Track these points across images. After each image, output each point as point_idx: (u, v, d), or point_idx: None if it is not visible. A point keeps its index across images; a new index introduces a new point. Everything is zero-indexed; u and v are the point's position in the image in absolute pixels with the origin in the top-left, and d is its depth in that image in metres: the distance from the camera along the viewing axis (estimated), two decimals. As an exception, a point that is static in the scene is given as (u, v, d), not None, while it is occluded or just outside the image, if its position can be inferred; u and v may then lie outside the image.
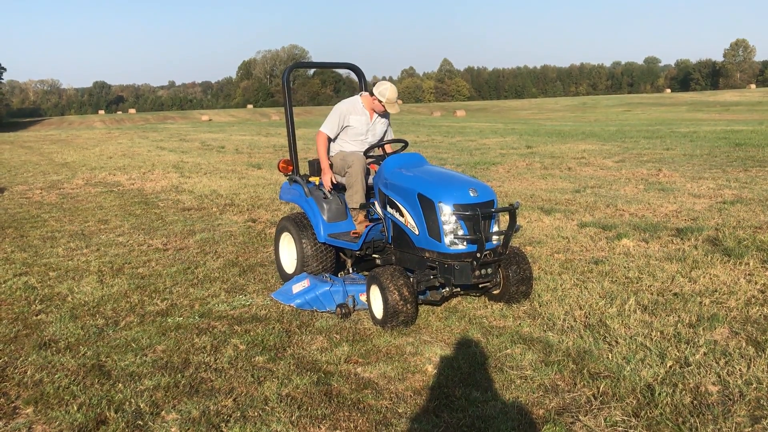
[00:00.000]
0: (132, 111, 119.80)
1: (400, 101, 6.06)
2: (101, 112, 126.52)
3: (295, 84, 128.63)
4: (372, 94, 6.04)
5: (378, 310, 5.14)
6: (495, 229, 5.20)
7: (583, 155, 17.74)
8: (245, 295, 6.06)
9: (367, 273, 5.98)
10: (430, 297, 5.34)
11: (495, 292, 5.51)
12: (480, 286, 5.39)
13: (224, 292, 6.18)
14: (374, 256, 6.01)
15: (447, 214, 4.99)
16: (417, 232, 5.23)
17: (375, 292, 5.17)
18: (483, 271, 5.12)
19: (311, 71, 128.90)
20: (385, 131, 6.44)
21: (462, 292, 5.58)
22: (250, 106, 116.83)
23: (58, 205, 12.01)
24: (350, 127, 6.20)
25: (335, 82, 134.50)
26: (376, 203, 5.82)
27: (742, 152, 16.85)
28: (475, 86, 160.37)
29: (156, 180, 15.32)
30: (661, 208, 9.51)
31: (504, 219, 5.66)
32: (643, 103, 78.71)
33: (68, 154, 24.47)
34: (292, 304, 5.61)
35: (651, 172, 13.69)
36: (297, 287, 5.71)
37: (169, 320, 5.41)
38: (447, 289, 5.26)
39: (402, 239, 5.50)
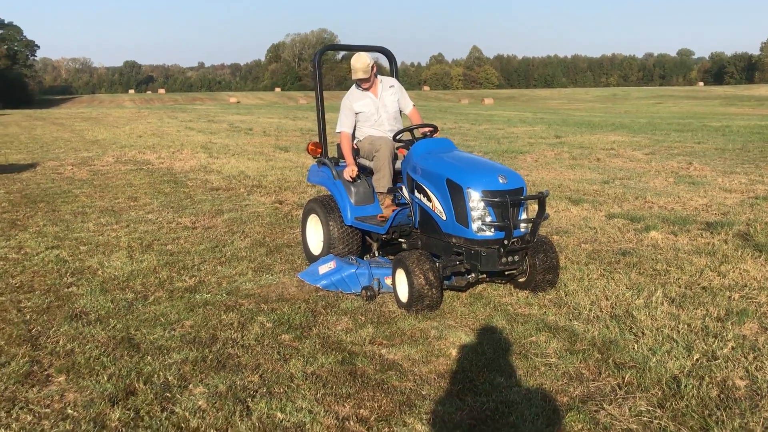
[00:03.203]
0: (161, 91, 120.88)
1: (373, 65, 6.03)
2: (131, 91, 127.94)
3: (324, 68, 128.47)
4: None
5: (403, 294, 5.16)
6: (523, 216, 5.17)
7: (613, 146, 17.54)
8: (272, 275, 6.11)
9: (392, 257, 6.00)
10: (455, 283, 5.35)
11: (521, 279, 5.50)
12: (506, 273, 5.37)
13: (251, 271, 6.25)
14: (400, 240, 6.02)
15: (475, 200, 4.97)
16: (444, 218, 5.22)
17: (401, 275, 5.19)
18: (509, 259, 5.09)
19: (340, 55, 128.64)
20: (398, 101, 6.35)
21: (487, 279, 5.57)
22: (278, 90, 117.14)
23: (89, 182, 12.18)
24: (361, 114, 6.21)
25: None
26: (403, 188, 5.82)
27: (776, 148, 16.53)
28: (504, 74, 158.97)
29: (185, 159, 15.46)
30: (691, 202, 9.39)
31: (532, 207, 5.65)
32: (674, 95, 77.50)
33: (99, 132, 24.78)
34: (318, 285, 5.66)
35: (681, 165, 13.49)
36: (323, 268, 5.75)
37: (197, 296, 5.49)
38: (473, 275, 5.25)
39: (429, 224, 5.49)
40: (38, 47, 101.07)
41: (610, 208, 8.97)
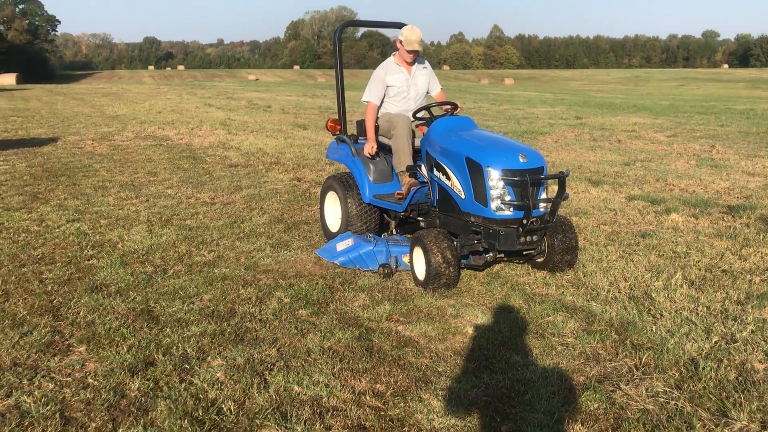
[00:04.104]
0: (181, 68, 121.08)
1: (421, 41, 5.99)
2: (151, 67, 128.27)
3: (342, 46, 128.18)
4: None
5: (420, 272, 5.16)
6: (543, 196, 5.13)
7: (634, 128, 17.34)
8: (290, 251, 6.14)
9: (410, 235, 6.00)
10: (472, 262, 5.33)
11: (539, 260, 5.47)
12: (524, 253, 5.34)
13: (269, 246, 6.28)
14: (418, 219, 6.00)
15: (495, 179, 4.93)
16: (463, 196, 5.19)
17: (418, 253, 5.19)
18: (528, 238, 5.06)
19: (359, 33, 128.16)
20: (428, 82, 6.30)
21: (505, 259, 5.55)
22: (296, 67, 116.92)
23: (109, 156, 12.28)
24: (391, 87, 6.10)
25: (383, 45, 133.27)
26: (422, 166, 5.78)
27: (802, 132, 16.24)
28: (525, 54, 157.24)
29: (204, 136, 15.52)
30: (712, 185, 9.28)
31: (552, 187, 5.62)
32: (698, 78, 76.31)
33: (119, 108, 24.92)
34: (335, 262, 5.68)
35: (704, 147, 13.32)
36: (341, 245, 5.76)
37: (216, 271, 5.53)
38: (491, 254, 5.23)
39: (447, 203, 5.47)
40: (59, 22, 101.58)
41: (630, 190, 8.89)
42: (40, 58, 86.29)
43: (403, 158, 5.86)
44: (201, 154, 12.56)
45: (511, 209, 4.96)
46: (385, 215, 6.34)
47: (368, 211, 6.17)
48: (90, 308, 4.69)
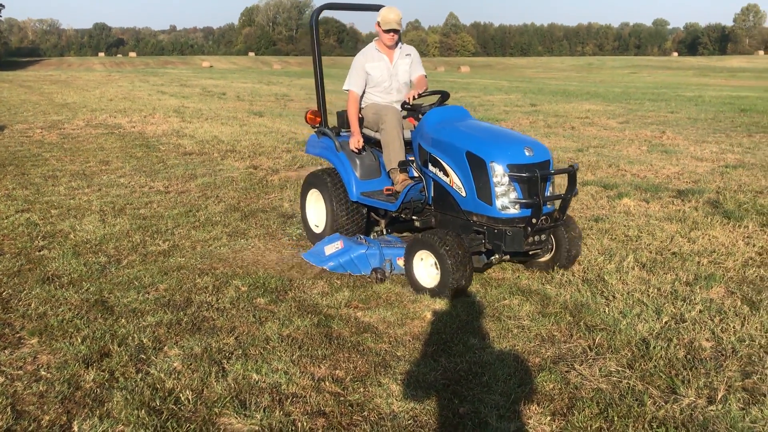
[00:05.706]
0: (132, 54, 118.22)
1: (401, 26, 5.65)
2: (101, 54, 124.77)
3: (299, 33, 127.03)
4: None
5: (428, 281, 4.80)
6: (549, 192, 4.82)
7: (587, 115, 17.63)
8: (247, 239, 6.09)
9: (401, 234, 5.79)
10: (473, 263, 4.85)
11: (544, 258, 5.17)
12: (530, 253, 5.01)
13: (226, 235, 6.22)
14: (413, 218, 5.44)
15: (500, 175, 4.59)
16: (464, 194, 4.81)
17: (429, 262, 4.79)
18: (536, 238, 4.75)
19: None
20: (409, 71, 5.77)
21: (508, 259, 5.18)
22: (251, 54, 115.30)
23: (59, 145, 11.96)
24: (370, 77, 5.64)
25: (339, 32, 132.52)
26: (415, 160, 5.36)
27: (747, 118, 16.74)
28: (481, 42, 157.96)
29: (157, 124, 15.21)
30: (663, 170, 9.51)
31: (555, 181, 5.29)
32: (649, 65, 77.85)
33: (68, 95, 24.23)
34: (324, 267, 5.28)
35: (654, 134, 13.63)
36: (329, 249, 5.35)
37: (171, 260, 5.46)
38: (496, 256, 4.87)
39: (445, 201, 5.07)
40: (3, 6, 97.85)
41: (583, 176, 9.05)
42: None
43: (394, 154, 5.37)
44: (154, 143, 12.32)
45: (518, 207, 4.63)
46: (373, 213, 5.88)
47: (356, 211, 5.72)
48: (41, 300, 4.59)
